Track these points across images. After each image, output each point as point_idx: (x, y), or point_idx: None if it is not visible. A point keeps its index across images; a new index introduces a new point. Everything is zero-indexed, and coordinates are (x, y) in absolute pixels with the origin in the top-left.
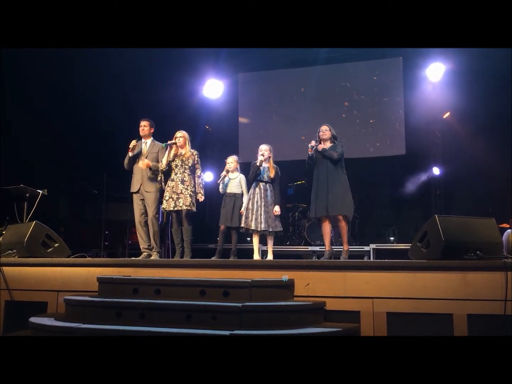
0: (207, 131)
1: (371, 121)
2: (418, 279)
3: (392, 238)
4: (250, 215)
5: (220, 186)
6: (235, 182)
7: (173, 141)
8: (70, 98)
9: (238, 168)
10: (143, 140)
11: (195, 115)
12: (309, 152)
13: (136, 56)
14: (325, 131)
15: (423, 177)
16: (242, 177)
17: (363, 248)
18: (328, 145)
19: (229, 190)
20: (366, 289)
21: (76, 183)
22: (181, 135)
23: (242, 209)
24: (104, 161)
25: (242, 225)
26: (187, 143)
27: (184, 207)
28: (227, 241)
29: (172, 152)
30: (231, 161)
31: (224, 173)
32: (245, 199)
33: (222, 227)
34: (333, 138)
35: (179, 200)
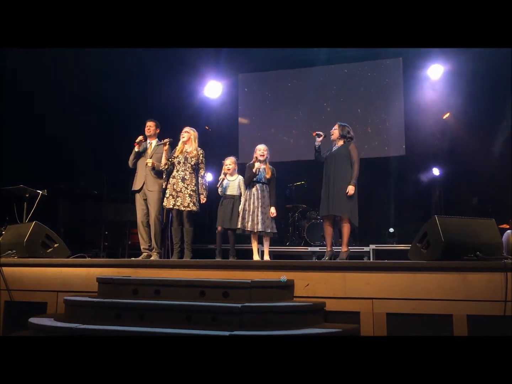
0: (207, 131)
1: (370, 121)
2: (418, 279)
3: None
4: (247, 216)
5: (219, 189)
6: (234, 184)
7: (166, 140)
8: (70, 100)
9: (236, 170)
10: (148, 140)
11: (195, 115)
12: (316, 143)
13: (136, 57)
14: (332, 130)
15: (423, 177)
16: (241, 178)
17: (363, 248)
18: (340, 143)
19: (228, 192)
20: (366, 290)
21: (76, 183)
22: (186, 131)
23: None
24: (104, 162)
25: (239, 226)
26: (193, 140)
27: (182, 208)
28: (224, 241)
29: (178, 149)
30: (229, 163)
31: (222, 176)
32: (243, 200)
33: (219, 228)
34: (342, 137)
35: (178, 199)
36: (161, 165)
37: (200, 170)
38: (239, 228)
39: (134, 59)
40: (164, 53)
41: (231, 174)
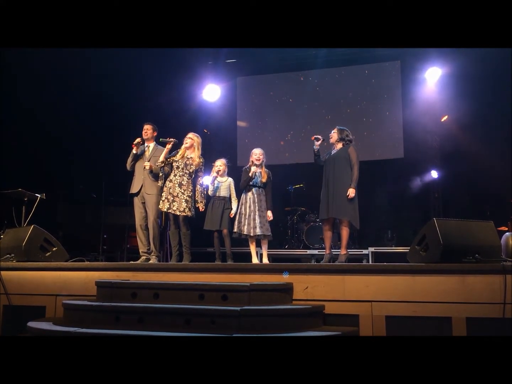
0: (206, 134)
1: (369, 124)
2: (417, 282)
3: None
4: (243, 220)
5: (211, 188)
6: (225, 185)
7: (172, 140)
8: (69, 102)
9: (226, 172)
10: (145, 144)
11: (194, 119)
12: (315, 147)
13: (134, 60)
14: (331, 134)
15: (422, 180)
16: (231, 180)
17: (362, 251)
18: (339, 146)
19: (218, 194)
20: (365, 293)
21: (75, 187)
22: (190, 137)
23: (233, 211)
24: (103, 165)
25: (235, 230)
26: (196, 147)
27: (178, 212)
28: (222, 244)
29: (180, 153)
30: (220, 164)
31: (215, 174)
32: (234, 202)
33: (215, 232)
34: (341, 140)
35: (174, 204)
36: (158, 162)
37: (199, 178)
38: (235, 232)
39: (133, 62)
40: (163, 56)
41: (222, 176)
